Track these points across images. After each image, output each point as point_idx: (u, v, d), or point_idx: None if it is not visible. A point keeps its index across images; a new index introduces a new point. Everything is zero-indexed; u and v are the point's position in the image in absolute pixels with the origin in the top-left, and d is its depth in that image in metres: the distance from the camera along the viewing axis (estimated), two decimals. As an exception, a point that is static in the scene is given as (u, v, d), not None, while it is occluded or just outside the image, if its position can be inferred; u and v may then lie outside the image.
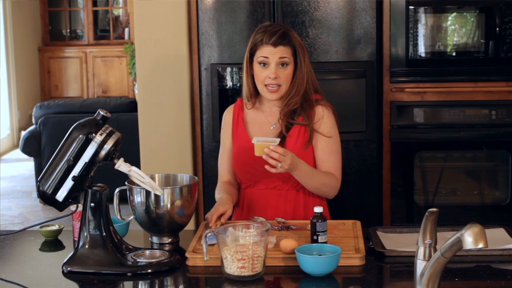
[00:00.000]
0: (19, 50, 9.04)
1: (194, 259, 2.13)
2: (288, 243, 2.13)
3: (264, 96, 2.64)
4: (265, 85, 2.59)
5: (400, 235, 2.36)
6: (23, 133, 6.10)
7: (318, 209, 2.22)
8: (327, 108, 2.65)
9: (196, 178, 2.43)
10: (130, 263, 2.10)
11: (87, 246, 2.13)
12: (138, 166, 2.42)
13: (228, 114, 2.75)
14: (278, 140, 2.44)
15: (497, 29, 3.60)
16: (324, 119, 2.63)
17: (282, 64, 2.58)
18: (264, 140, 2.43)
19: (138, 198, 2.30)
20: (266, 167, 2.43)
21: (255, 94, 2.67)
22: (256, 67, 2.60)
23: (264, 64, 2.58)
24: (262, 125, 2.67)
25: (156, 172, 2.53)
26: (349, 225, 2.43)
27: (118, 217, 2.32)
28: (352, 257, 2.11)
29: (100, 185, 2.16)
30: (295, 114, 2.62)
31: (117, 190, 2.30)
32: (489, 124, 3.65)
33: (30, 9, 9.53)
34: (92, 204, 2.13)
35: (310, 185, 2.59)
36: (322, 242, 2.18)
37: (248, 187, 2.68)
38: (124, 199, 2.36)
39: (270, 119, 2.67)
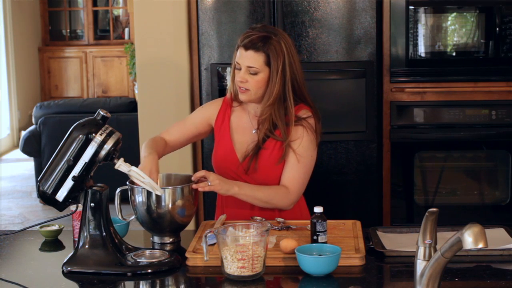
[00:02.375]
0: (19, 50, 9.04)
1: (194, 259, 2.13)
2: (288, 243, 2.13)
3: None
4: (239, 87, 2.58)
5: (400, 235, 2.36)
6: (23, 133, 6.10)
7: (318, 209, 2.22)
8: (307, 130, 2.56)
9: (197, 178, 2.43)
10: (130, 263, 2.10)
11: (87, 246, 2.12)
12: (138, 166, 2.41)
13: (215, 105, 2.70)
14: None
15: (497, 29, 3.60)
16: (303, 140, 2.55)
17: (252, 72, 2.52)
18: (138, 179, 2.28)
19: (140, 197, 2.30)
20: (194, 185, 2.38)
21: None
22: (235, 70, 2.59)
23: (239, 68, 2.55)
24: (245, 130, 2.64)
25: (156, 172, 2.53)
26: (349, 225, 2.43)
27: (120, 217, 2.32)
28: (352, 257, 2.11)
29: (100, 185, 2.16)
30: (275, 128, 2.56)
31: (118, 190, 2.29)
32: (489, 124, 3.65)
33: (30, 9, 9.53)
34: (92, 204, 2.13)
35: (255, 203, 2.54)
36: (322, 242, 2.18)
37: None
38: (125, 199, 2.36)
39: (254, 122, 2.64)
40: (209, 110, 2.71)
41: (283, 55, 2.51)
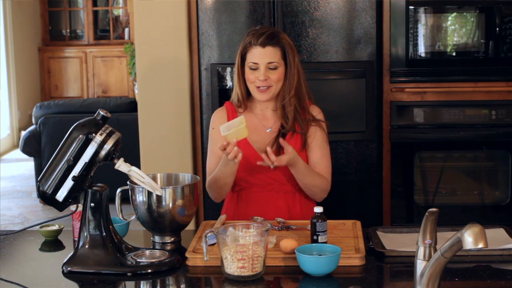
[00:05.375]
0: (19, 50, 9.04)
1: (194, 259, 2.13)
2: (288, 243, 2.13)
3: (255, 98, 2.65)
4: (256, 87, 2.60)
5: (400, 235, 2.36)
6: (23, 133, 6.10)
7: (318, 209, 2.22)
8: (321, 129, 2.68)
9: (198, 177, 2.43)
10: (130, 263, 2.10)
11: (87, 246, 2.13)
12: (138, 166, 2.42)
13: (221, 114, 2.73)
14: (241, 118, 2.45)
15: (497, 29, 3.60)
16: (317, 136, 2.68)
17: (272, 67, 2.59)
18: (230, 125, 2.44)
19: (140, 197, 2.30)
20: (260, 163, 2.49)
21: (247, 97, 2.69)
22: (247, 71, 2.62)
23: (255, 68, 2.60)
24: (257, 128, 2.67)
25: (157, 172, 2.53)
26: (349, 225, 2.43)
27: (120, 217, 2.32)
28: (352, 257, 2.11)
29: (100, 185, 2.16)
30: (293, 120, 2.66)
31: (119, 190, 2.29)
32: (489, 124, 3.65)
33: (30, 9, 9.53)
34: (92, 204, 2.13)
35: (304, 183, 2.62)
36: (322, 242, 2.18)
37: (243, 189, 2.68)
38: (125, 199, 2.36)
39: (265, 122, 2.68)
40: (220, 125, 2.73)
41: (293, 48, 2.64)
